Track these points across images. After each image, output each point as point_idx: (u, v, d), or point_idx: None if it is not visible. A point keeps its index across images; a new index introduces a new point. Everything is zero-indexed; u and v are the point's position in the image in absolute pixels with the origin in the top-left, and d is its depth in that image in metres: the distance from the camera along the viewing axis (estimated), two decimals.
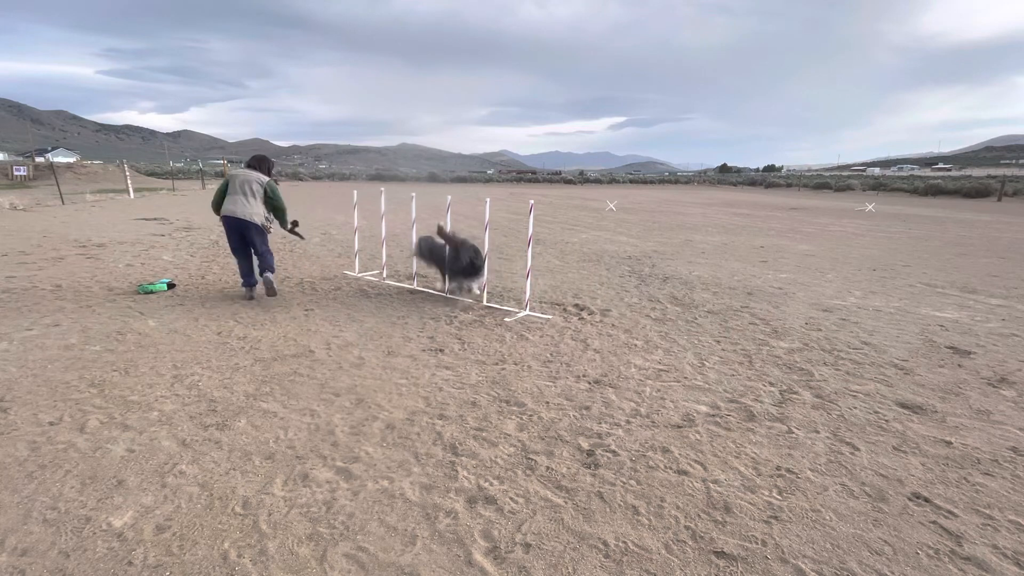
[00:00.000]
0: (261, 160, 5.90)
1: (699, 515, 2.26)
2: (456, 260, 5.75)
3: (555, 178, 64.32)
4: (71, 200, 18.20)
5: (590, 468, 2.61)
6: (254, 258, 5.77)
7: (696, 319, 5.25)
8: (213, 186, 32.38)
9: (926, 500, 2.38)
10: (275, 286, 5.69)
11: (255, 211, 5.52)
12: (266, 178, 5.67)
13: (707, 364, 4.03)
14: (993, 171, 78.91)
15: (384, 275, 6.94)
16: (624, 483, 2.48)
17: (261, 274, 5.70)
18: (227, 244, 5.80)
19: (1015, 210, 22.45)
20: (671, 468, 2.61)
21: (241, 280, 5.84)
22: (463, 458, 2.68)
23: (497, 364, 3.98)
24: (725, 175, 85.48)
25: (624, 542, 2.09)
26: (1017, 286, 7.04)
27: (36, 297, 5.57)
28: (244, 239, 5.60)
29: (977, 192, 31.34)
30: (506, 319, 5.15)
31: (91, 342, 4.26)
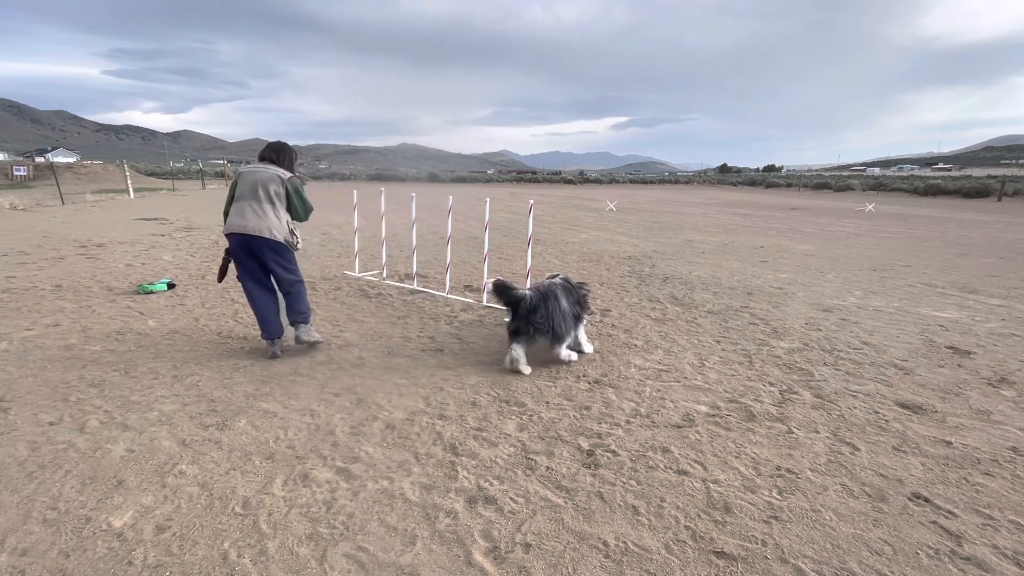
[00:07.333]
0: (280, 150, 4.10)
1: (699, 515, 2.26)
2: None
3: (555, 178, 64.34)
4: (71, 200, 18.20)
5: (590, 468, 2.61)
6: (278, 293, 4.07)
7: (696, 319, 5.25)
8: (213, 186, 32.31)
9: (926, 500, 2.38)
10: (315, 335, 4.10)
11: (273, 223, 3.83)
12: (288, 174, 3.99)
13: (707, 364, 4.03)
14: (993, 171, 78.99)
15: (384, 275, 6.93)
16: (624, 483, 2.48)
17: (291, 322, 4.08)
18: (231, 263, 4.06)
19: (1015, 210, 22.43)
20: (671, 468, 2.61)
21: (260, 329, 4.03)
22: (463, 458, 2.68)
23: (497, 364, 3.98)
24: (725, 175, 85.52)
25: (624, 542, 2.09)
26: (1017, 286, 7.04)
27: (36, 297, 5.57)
28: (262, 265, 3.92)
29: (977, 192, 31.33)
30: (506, 319, 5.14)
31: (91, 342, 4.26)
